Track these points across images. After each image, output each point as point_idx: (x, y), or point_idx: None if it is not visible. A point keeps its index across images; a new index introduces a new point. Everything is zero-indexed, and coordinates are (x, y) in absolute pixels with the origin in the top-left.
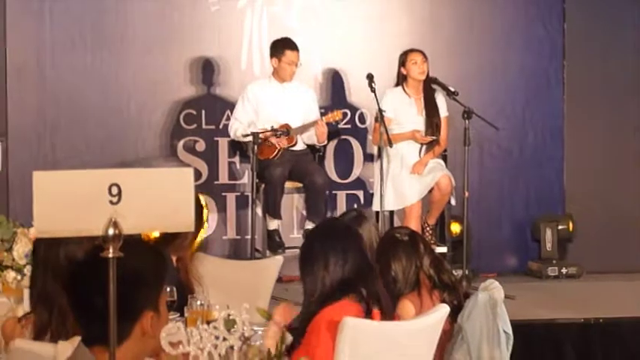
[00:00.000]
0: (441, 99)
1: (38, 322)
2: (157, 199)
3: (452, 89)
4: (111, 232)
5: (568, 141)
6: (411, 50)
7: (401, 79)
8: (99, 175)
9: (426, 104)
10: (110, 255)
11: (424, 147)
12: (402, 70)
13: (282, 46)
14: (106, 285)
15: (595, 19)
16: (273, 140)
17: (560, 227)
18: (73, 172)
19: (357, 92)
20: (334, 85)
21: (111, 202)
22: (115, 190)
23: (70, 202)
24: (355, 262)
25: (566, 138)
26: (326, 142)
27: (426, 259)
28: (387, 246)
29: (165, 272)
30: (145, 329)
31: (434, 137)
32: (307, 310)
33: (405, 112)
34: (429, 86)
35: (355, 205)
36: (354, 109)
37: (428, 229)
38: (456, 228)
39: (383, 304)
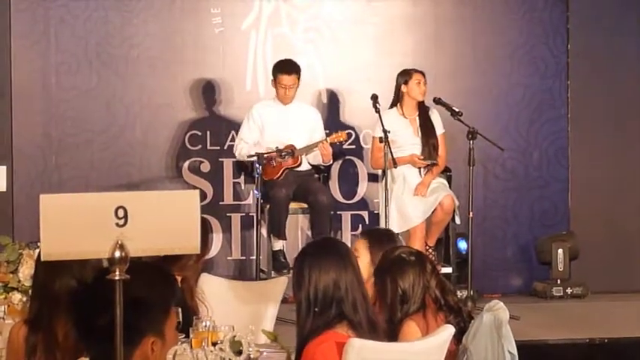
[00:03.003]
0: (436, 117)
1: (30, 342)
2: (163, 222)
3: (456, 109)
4: (117, 254)
5: (572, 161)
6: (415, 70)
7: (398, 99)
8: (105, 197)
9: (421, 124)
10: (117, 277)
11: (423, 168)
12: (403, 87)
13: (277, 70)
14: (109, 307)
15: (599, 39)
16: (278, 160)
17: (568, 244)
18: (80, 195)
19: (361, 113)
20: (337, 105)
21: (117, 225)
22: (121, 213)
23: (76, 225)
24: (347, 285)
25: (570, 158)
26: (331, 162)
27: (432, 280)
28: (392, 265)
29: (171, 297)
30: (146, 355)
31: (434, 162)
32: (301, 333)
33: (401, 134)
34: (423, 105)
35: (360, 226)
36: (357, 129)
37: (429, 250)
38: (463, 244)
39: (379, 331)
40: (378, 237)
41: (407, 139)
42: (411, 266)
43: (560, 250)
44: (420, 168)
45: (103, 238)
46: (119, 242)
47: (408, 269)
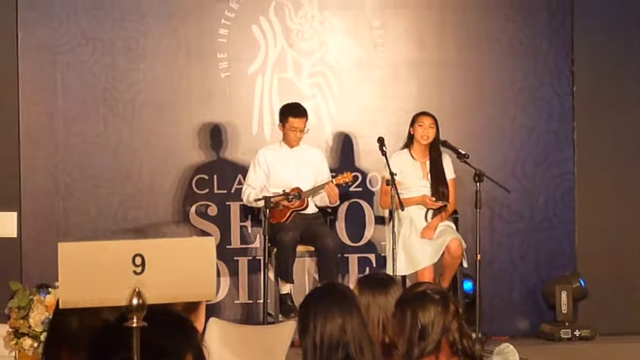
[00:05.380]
0: (447, 162)
1: None
2: (180, 269)
3: (462, 152)
4: (135, 301)
5: (579, 202)
6: (422, 113)
7: (409, 141)
8: (123, 245)
9: (431, 169)
10: (134, 324)
11: (430, 210)
12: (411, 130)
13: (286, 113)
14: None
15: (604, 81)
16: (285, 202)
17: (573, 286)
18: (98, 244)
19: (367, 155)
20: (344, 149)
21: (135, 272)
22: (138, 261)
23: (94, 273)
24: (352, 329)
25: (577, 200)
26: (338, 203)
27: (454, 323)
28: (415, 298)
29: (187, 345)
30: None
31: (445, 203)
32: None
33: (410, 176)
34: (436, 150)
35: (367, 269)
36: (364, 172)
37: None
38: (468, 285)
39: None
40: (369, 282)
41: (415, 182)
42: (434, 304)
43: (563, 293)
44: (427, 211)
45: (120, 286)
46: (136, 290)
47: (430, 306)
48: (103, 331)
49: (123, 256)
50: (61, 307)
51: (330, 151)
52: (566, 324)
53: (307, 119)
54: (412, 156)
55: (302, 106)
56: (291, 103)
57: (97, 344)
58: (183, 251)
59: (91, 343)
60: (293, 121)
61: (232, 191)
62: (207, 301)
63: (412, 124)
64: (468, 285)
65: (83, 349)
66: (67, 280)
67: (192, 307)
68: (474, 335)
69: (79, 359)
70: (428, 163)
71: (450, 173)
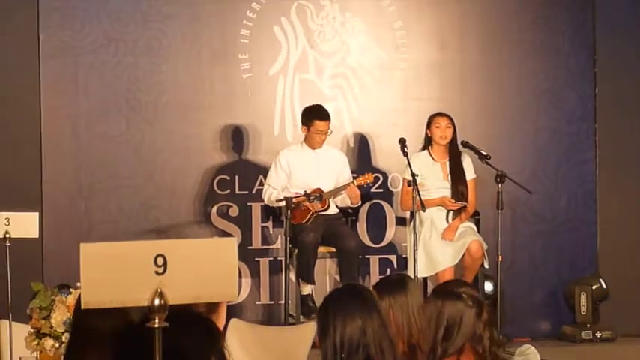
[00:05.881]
0: (468, 162)
1: None
2: (202, 269)
3: (484, 153)
4: (157, 302)
5: (600, 204)
6: (437, 114)
7: (427, 143)
8: (145, 246)
9: (451, 169)
10: (156, 325)
11: (451, 212)
12: (428, 132)
13: (311, 116)
14: (149, 353)
15: (626, 82)
16: (307, 204)
17: (593, 287)
18: (120, 244)
19: (388, 156)
20: (365, 150)
21: (156, 273)
22: (160, 261)
23: (116, 273)
24: (373, 330)
25: (598, 201)
26: (360, 204)
27: (486, 332)
28: (450, 295)
29: (212, 349)
30: None
31: (464, 204)
32: None
33: (430, 177)
34: (455, 150)
35: (388, 270)
36: (385, 173)
37: None
38: (488, 286)
39: None
40: (385, 286)
41: (435, 183)
42: (468, 307)
43: (583, 294)
44: (447, 212)
45: (142, 286)
46: (158, 290)
47: (463, 308)
48: (128, 332)
49: (145, 256)
50: (83, 307)
51: (351, 152)
52: (587, 325)
53: (330, 121)
54: (432, 157)
55: (326, 109)
56: (315, 106)
57: (122, 345)
58: (205, 252)
59: (116, 344)
60: (319, 125)
61: (254, 192)
62: (228, 301)
63: (428, 126)
64: (488, 286)
65: (108, 349)
66: (89, 280)
67: (213, 307)
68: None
69: None
70: (448, 163)
71: (470, 174)
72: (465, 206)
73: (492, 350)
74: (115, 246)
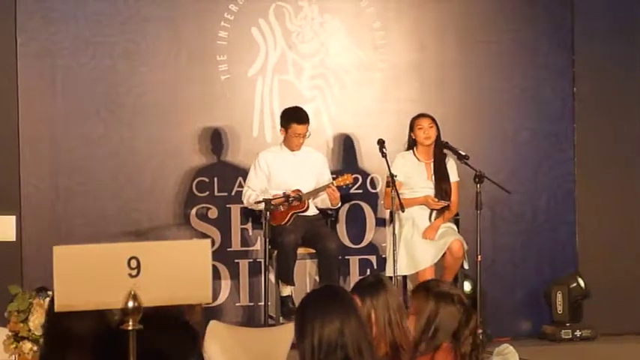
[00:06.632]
0: (452, 164)
1: None
2: (176, 271)
3: (463, 153)
4: (130, 304)
5: (580, 203)
6: (419, 115)
7: (411, 144)
8: (118, 248)
9: (435, 170)
10: (130, 327)
11: (434, 211)
12: (412, 135)
13: (289, 119)
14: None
15: (605, 82)
16: (285, 206)
17: (571, 286)
18: (93, 246)
19: (368, 157)
20: (345, 151)
21: (130, 275)
22: (134, 263)
23: (90, 276)
24: (351, 331)
25: (577, 200)
26: (340, 205)
27: (469, 339)
28: (443, 296)
29: (190, 352)
30: None
31: (447, 202)
32: None
33: (415, 177)
34: (439, 151)
35: (368, 271)
36: (365, 174)
37: None
38: (467, 286)
39: None
40: (364, 289)
41: (419, 183)
42: (457, 311)
43: (559, 293)
44: (430, 212)
45: (116, 289)
46: (132, 292)
47: (454, 311)
48: (106, 334)
49: (118, 258)
50: (56, 310)
51: (330, 153)
52: (567, 325)
53: (309, 124)
54: (417, 157)
55: (305, 112)
56: (293, 108)
57: (100, 347)
58: (179, 254)
59: (94, 346)
60: (297, 128)
61: (233, 194)
62: (205, 303)
63: (411, 128)
64: (467, 286)
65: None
66: (63, 283)
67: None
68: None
69: None
70: (432, 164)
71: (454, 176)
72: (448, 205)
73: (472, 355)
74: (88, 248)
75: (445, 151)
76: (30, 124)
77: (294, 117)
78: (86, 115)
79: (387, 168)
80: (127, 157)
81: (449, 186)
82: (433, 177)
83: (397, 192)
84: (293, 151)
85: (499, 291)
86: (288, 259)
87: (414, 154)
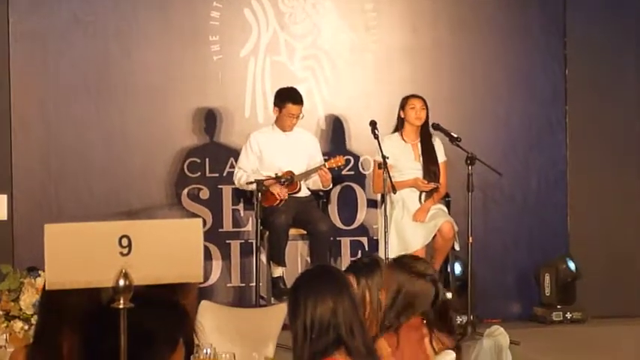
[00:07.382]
0: (438, 144)
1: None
2: (167, 250)
3: (454, 135)
4: (121, 283)
5: (571, 186)
6: (412, 96)
7: (399, 124)
8: (109, 227)
9: (423, 150)
10: (121, 306)
11: (424, 193)
12: (401, 113)
13: (284, 98)
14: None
15: (596, 64)
16: (276, 190)
17: (560, 268)
18: (84, 225)
19: (359, 139)
20: (337, 132)
21: (121, 254)
22: (125, 242)
23: (81, 254)
24: (344, 311)
25: (569, 183)
26: (331, 186)
27: (431, 313)
28: (412, 273)
29: (180, 331)
30: None
31: (437, 184)
32: None
33: (402, 158)
34: (426, 132)
35: (359, 252)
36: (356, 155)
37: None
38: (457, 268)
39: (376, 357)
40: (360, 269)
41: (407, 164)
42: (427, 287)
43: (547, 275)
44: (420, 193)
45: (107, 267)
46: (123, 271)
47: (423, 285)
48: (99, 311)
49: (109, 237)
50: (47, 288)
51: (322, 134)
52: (558, 307)
53: (303, 106)
54: (403, 139)
55: (299, 93)
56: (288, 89)
57: (93, 324)
58: (170, 232)
59: (87, 323)
60: (291, 108)
61: (224, 174)
62: (199, 283)
63: (402, 107)
64: (457, 268)
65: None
66: (54, 261)
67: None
68: (465, 318)
69: (74, 341)
70: (419, 145)
71: (441, 156)
72: (438, 187)
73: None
74: (79, 227)
75: (433, 132)
76: (22, 105)
77: (289, 97)
78: (78, 96)
79: (378, 149)
80: (118, 137)
81: (437, 168)
82: (421, 158)
83: (389, 174)
84: (285, 131)
85: (490, 273)
86: (279, 240)
87: (401, 136)
